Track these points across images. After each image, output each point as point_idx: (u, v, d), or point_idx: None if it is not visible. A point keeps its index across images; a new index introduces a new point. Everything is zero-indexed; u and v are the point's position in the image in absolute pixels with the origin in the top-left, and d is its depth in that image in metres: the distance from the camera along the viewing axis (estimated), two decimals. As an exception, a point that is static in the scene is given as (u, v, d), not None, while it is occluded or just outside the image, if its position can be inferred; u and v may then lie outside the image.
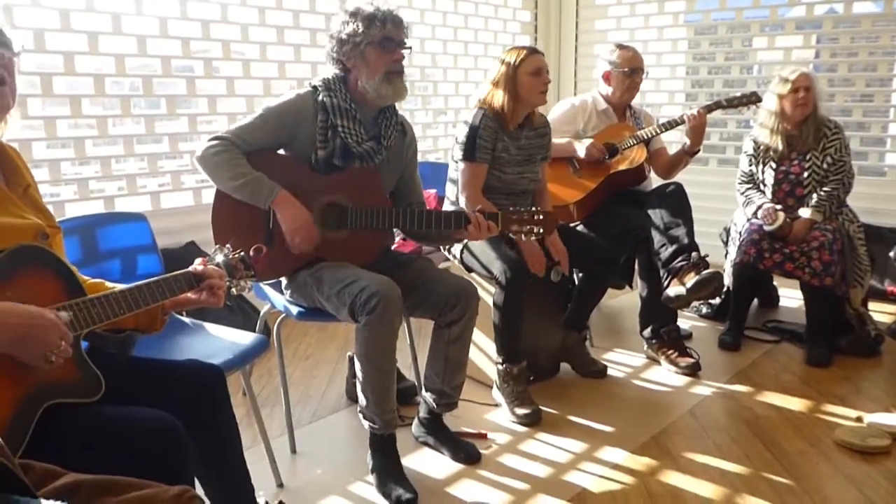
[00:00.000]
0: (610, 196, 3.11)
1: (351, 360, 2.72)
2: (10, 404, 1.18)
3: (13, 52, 1.35)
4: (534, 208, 2.12)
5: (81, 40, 3.01)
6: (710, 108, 3.05)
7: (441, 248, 2.94)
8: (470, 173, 2.65)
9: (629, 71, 3.12)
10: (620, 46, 3.18)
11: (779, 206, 3.18)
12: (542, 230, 2.10)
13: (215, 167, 2.08)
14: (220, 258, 1.65)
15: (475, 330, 2.37)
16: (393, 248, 2.54)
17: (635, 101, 3.31)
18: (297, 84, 3.78)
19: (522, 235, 2.11)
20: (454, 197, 2.73)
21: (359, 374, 2.09)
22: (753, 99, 3.05)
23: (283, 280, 2.24)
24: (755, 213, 3.23)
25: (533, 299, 2.70)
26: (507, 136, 2.69)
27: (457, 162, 2.68)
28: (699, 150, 3.13)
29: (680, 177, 3.23)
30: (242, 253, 1.67)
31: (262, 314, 2.50)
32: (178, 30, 3.29)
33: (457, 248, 2.79)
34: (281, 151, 2.21)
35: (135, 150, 3.26)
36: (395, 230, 2.37)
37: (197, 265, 1.57)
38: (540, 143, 2.81)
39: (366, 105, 2.21)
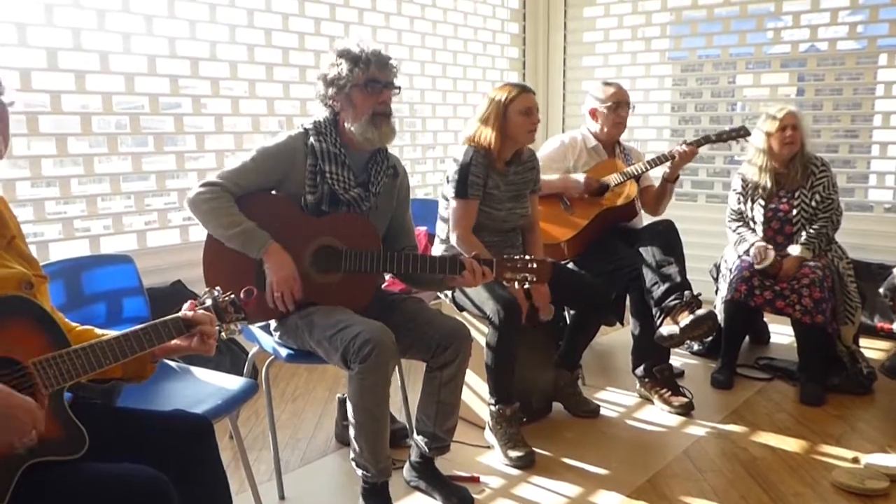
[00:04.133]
0: (601, 233, 3.12)
1: (341, 402, 2.68)
2: (-11, 464, 1.15)
3: (5, 103, 1.35)
4: (528, 256, 2.11)
5: (68, 79, 3.00)
6: (699, 143, 3.07)
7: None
8: (462, 210, 2.65)
9: (613, 105, 3.14)
10: (606, 83, 3.21)
11: (769, 246, 3.19)
12: (535, 278, 2.09)
13: (207, 214, 2.07)
14: (210, 301, 1.61)
15: (467, 370, 2.33)
16: (383, 286, 2.52)
17: (623, 137, 3.33)
18: (286, 121, 3.78)
19: (516, 283, 2.11)
20: (445, 235, 2.73)
21: (351, 420, 2.06)
22: (742, 133, 3.08)
23: (273, 322, 2.21)
24: (747, 251, 3.23)
25: (525, 337, 2.69)
26: (496, 173, 2.70)
27: (448, 199, 2.68)
28: (679, 176, 3.16)
29: (669, 213, 3.25)
30: (233, 296, 1.64)
31: (250, 356, 2.47)
32: (166, 67, 3.29)
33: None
34: (273, 192, 2.21)
35: (121, 188, 3.24)
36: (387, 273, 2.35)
37: (186, 310, 1.54)
38: (529, 178, 2.82)
39: (355, 149, 2.20)
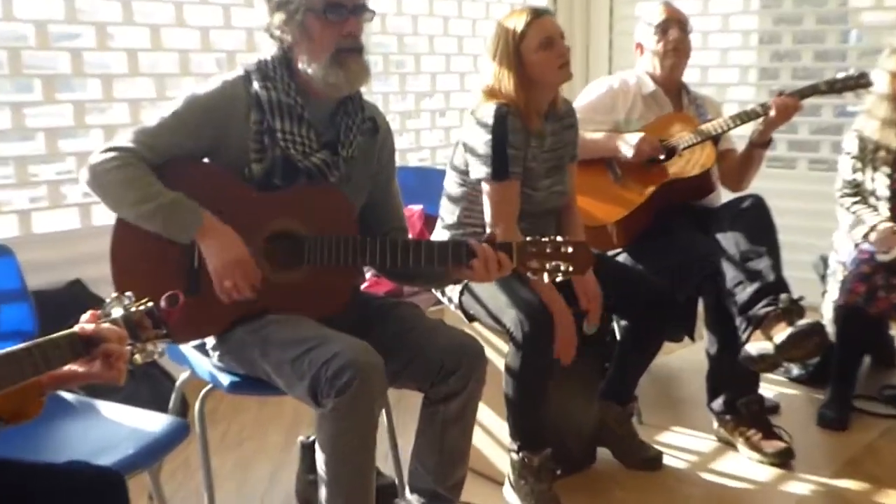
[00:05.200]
0: (664, 214, 3.12)
1: (305, 448, 2.66)
2: None
3: None
4: (559, 237, 2.10)
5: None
6: (802, 94, 3.05)
7: (433, 290, 2.93)
8: (502, 194, 2.65)
9: (660, 26, 3.17)
10: (661, 1, 3.27)
11: (898, 227, 3.19)
12: (571, 268, 2.07)
13: (113, 189, 2.05)
14: (118, 312, 1.59)
15: (479, 404, 2.34)
16: (362, 288, 2.54)
17: (695, 81, 3.40)
18: (226, 59, 3.76)
19: (545, 275, 2.09)
20: (453, 219, 2.76)
21: (322, 475, 2.06)
22: (862, 82, 3.06)
23: (210, 338, 2.21)
24: (866, 237, 3.23)
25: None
26: (534, 136, 2.71)
27: (464, 175, 2.71)
28: (772, 140, 3.15)
29: (757, 185, 3.25)
30: (151, 304, 1.63)
31: (177, 385, 2.47)
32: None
33: (454, 290, 2.78)
34: (205, 161, 2.21)
35: (-3, 152, 3.23)
36: (367, 267, 2.37)
37: (86, 323, 1.53)
38: (567, 139, 2.84)
39: (317, 96, 2.21)
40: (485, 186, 2.66)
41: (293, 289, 2.15)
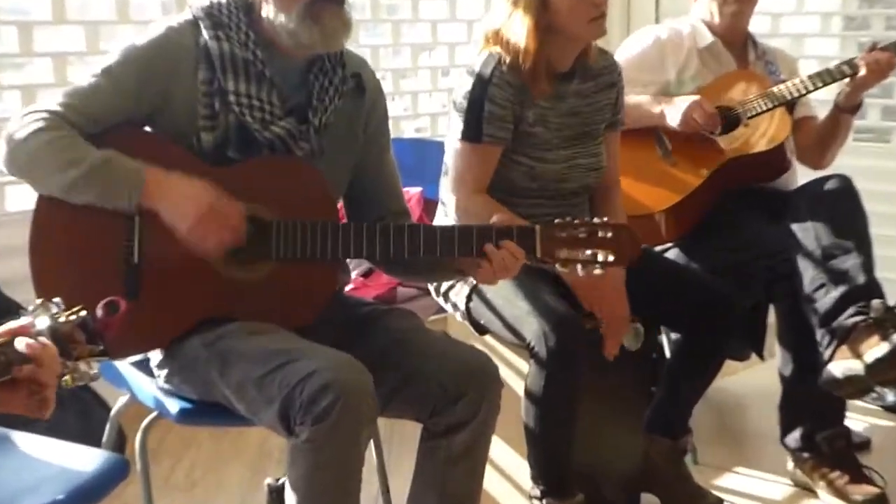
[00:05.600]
0: (726, 200, 3.12)
1: (273, 492, 2.65)
2: None
3: None
4: (595, 219, 2.12)
5: None
6: (900, 47, 3.07)
7: (431, 287, 2.96)
8: (469, 160, 2.68)
9: None
10: None
11: None
12: (611, 257, 2.09)
13: (34, 158, 2.04)
14: (43, 322, 1.57)
15: (492, 437, 2.32)
16: (346, 290, 2.56)
17: (763, 31, 3.43)
18: (176, 2, 3.74)
19: (578, 267, 2.10)
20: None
21: (294, 523, 2.07)
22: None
23: (156, 354, 2.22)
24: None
25: (593, 382, 2.67)
26: (542, 96, 2.71)
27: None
28: (862, 101, 3.14)
29: (843, 162, 3.25)
30: (85, 313, 1.60)
31: (113, 412, 2.46)
32: None
33: (460, 294, 2.78)
34: (147, 129, 2.22)
35: None
36: (351, 260, 2.43)
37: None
38: (604, 101, 2.83)
39: (283, 51, 2.22)
40: (454, 145, 2.68)
41: (259, 290, 2.15)
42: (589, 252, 2.08)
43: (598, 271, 2.10)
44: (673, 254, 3.13)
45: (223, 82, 2.14)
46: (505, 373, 2.57)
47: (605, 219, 2.13)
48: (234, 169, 2.16)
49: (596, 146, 2.82)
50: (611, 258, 2.08)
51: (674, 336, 3.08)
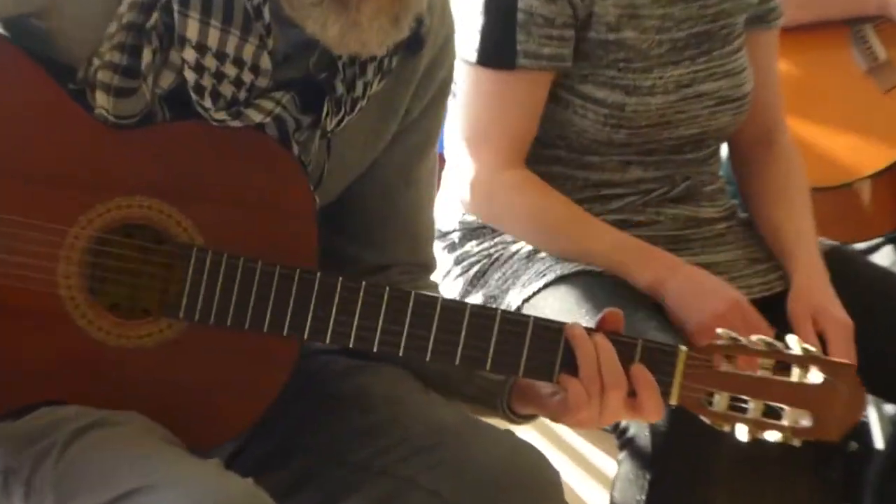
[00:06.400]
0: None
1: None
2: None
3: None
4: (796, 341, 1.64)
5: None
6: None
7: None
8: (493, 102, 2.27)
9: None
10: None
11: None
12: (808, 422, 1.63)
13: None
14: None
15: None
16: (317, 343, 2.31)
17: None
18: None
19: (743, 428, 1.66)
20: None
21: None
22: None
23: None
24: None
25: (732, 482, 2.23)
26: None
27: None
28: None
29: None
30: None
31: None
32: None
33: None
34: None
35: None
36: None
37: None
38: None
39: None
40: (462, 84, 2.22)
41: (140, 368, 1.68)
42: (764, 402, 1.62)
43: (774, 438, 1.64)
44: (887, 255, 2.66)
45: (179, 22, 1.61)
46: (568, 474, 2.40)
47: (811, 348, 1.61)
48: (147, 133, 1.66)
49: (733, 58, 2.28)
50: (805, 423, 1.60)
51: (888, 409, 2.64)
